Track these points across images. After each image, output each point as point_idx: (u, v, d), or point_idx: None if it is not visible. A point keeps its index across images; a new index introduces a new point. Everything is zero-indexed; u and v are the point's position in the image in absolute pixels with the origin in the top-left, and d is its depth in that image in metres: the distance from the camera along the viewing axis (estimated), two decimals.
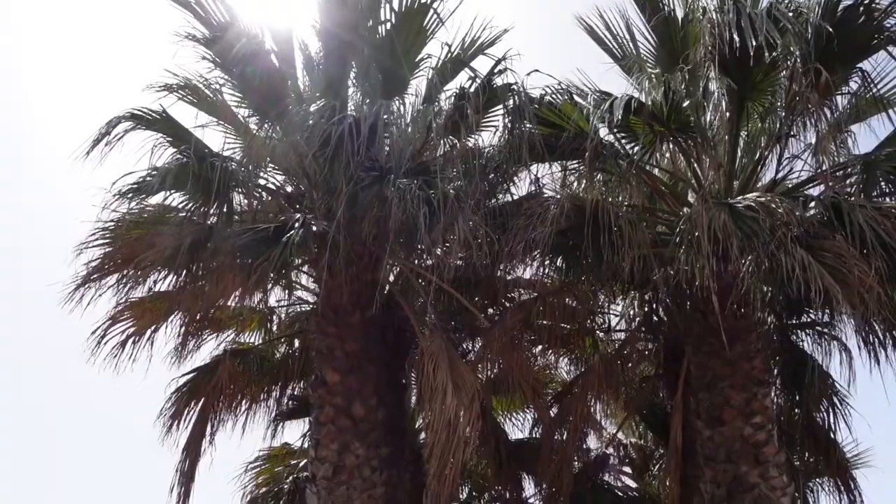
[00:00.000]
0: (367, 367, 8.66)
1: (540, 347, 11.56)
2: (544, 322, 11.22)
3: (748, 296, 7.49)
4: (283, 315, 11.35)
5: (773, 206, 6.55)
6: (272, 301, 10.95)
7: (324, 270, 8.45)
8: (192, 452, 9.64)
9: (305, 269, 10.09)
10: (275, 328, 11.46)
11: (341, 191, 7.01)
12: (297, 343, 11.41)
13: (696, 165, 8.03)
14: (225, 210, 7.69)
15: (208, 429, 9.90)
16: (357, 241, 8.18)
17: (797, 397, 10.17)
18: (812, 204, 7.21)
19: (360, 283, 8.87)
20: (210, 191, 7.20)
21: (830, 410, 10.15)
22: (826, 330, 10.38)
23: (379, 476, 8.32)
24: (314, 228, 7.61)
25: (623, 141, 8.52)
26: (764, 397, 8.12)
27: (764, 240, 6.24)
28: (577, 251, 8.55)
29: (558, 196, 7.97)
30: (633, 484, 12.35)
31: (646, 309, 10.22)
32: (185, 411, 9.79)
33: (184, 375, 9.88)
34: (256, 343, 11.05)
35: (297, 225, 7.28)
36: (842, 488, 10.34)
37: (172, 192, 7.80)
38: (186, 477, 9.60)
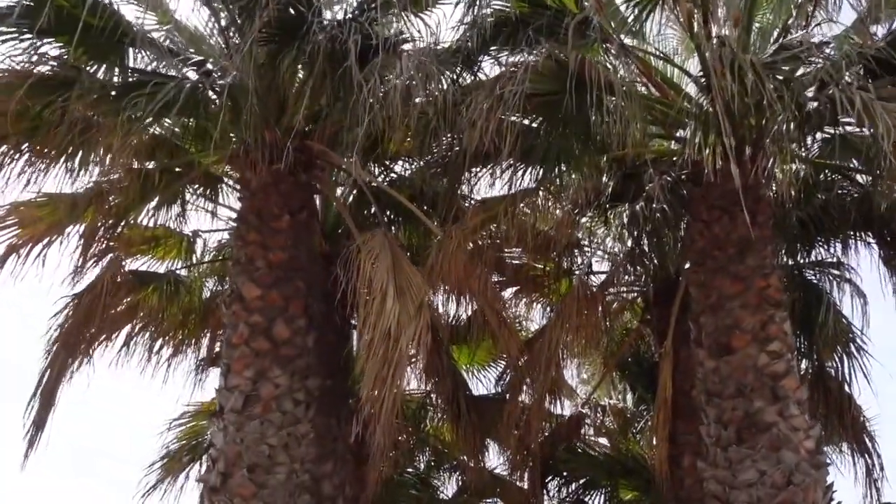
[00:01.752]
0: (294, 281, 7.04)
1: (511, 291, 10.11)
2: (515, 261, 9.88)
3: (768, 184, 5.96)
4: (208, 241, 9.66)
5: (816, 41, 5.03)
6: (198, 225, 9.34)
7: (242, 154, 6.88)
8: (51, 378, 7.76)
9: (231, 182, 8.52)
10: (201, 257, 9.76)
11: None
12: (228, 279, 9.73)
13: (703, 31, 6.43)
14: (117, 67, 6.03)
15: (86, 355, 8.13)
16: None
17: (806, 342, 8.71)
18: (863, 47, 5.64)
19: (291, 182, 7.28)
20: (77, 32, 5.50)
21: (845, 357, 8.70)
22: (838, 271, 8.92)
23: (304, 412, 6.68)
24: (220, 81, 5.92)
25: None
26: (782, 321, 6.60)
27: (809, 76, 4.70)
28: (555, 141, 7.02)
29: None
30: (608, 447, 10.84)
31: (634, 233, 8.69)
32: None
33: (74, 297, 8.06)
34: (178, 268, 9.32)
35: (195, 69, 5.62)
36: (856, 449, 8.86)
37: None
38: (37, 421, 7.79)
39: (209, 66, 5.97)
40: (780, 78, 5.07)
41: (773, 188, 7.26)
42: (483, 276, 7.44)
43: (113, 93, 5.72)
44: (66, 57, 5.87)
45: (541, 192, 7.33)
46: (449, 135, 7.14)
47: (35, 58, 5.75)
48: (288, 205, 7.21)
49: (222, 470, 6.31)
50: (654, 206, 7.41)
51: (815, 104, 5.45)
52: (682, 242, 8.11)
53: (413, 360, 6.04)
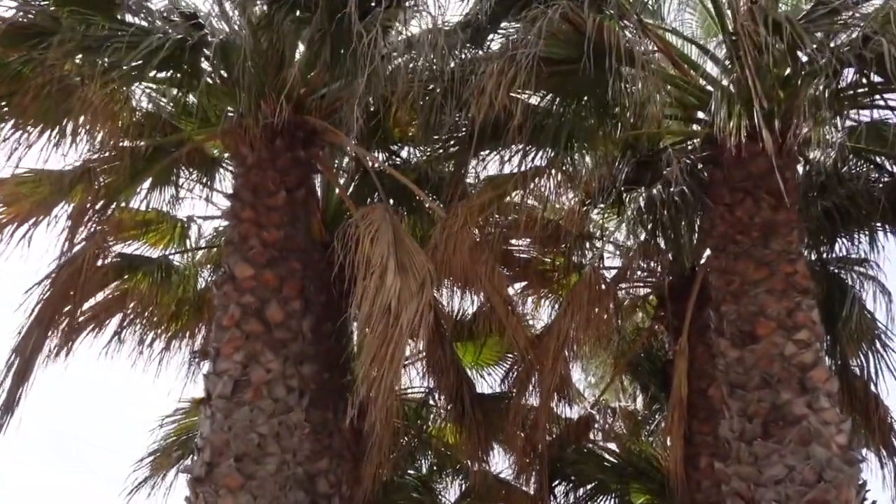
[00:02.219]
0: (290, 262, 6.63)
1: (519, 286, 9.68)
2: (523, 255, 9.47)
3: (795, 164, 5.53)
4: (204, 230, 9.26)
5: None
6: (193, 210, 8.96)
7: (236, 127, 6.49)
8: (23, 355, 7.26)
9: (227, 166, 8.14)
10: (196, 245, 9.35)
11: None
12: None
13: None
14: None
15: (69, 338, 7.69)
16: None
17: (830, 338, 8.26)
18: None
19: (288, 159, 6.89)
20: None
21: (870, 354, 8.26)
22: (863, 268, 8.50)
23: (297, 399, 6.25)
24: (211, 39, 5.52)
25: None
26: (810, 309, 6.16)
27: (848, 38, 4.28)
28: (568, 119, 6.61)
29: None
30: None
31: (649, 224, 8.26)
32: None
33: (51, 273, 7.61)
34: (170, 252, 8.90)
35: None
36: (883, 454, 8.39)
37: None
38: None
39: (200, 20, 5.57)
40: (819, 35, 4.66)
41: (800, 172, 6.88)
42: (489, 262, 7.01)
43: (94, 44, 5.31)
44: (44, 4, 5.47)
45: (552, 172, 6.89)
46: (456, 111, 6.77)
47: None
48: (285, 181, 6.82)
49: (208, 459, 5.86)
50: (671, 189, 6.98)
51: (854, 70, 5.02)
52: (700, 229, 7.69)
53: (414, 350, 5.58)
